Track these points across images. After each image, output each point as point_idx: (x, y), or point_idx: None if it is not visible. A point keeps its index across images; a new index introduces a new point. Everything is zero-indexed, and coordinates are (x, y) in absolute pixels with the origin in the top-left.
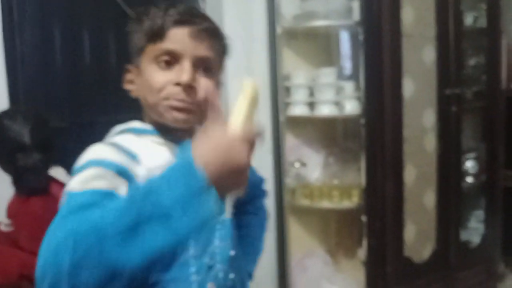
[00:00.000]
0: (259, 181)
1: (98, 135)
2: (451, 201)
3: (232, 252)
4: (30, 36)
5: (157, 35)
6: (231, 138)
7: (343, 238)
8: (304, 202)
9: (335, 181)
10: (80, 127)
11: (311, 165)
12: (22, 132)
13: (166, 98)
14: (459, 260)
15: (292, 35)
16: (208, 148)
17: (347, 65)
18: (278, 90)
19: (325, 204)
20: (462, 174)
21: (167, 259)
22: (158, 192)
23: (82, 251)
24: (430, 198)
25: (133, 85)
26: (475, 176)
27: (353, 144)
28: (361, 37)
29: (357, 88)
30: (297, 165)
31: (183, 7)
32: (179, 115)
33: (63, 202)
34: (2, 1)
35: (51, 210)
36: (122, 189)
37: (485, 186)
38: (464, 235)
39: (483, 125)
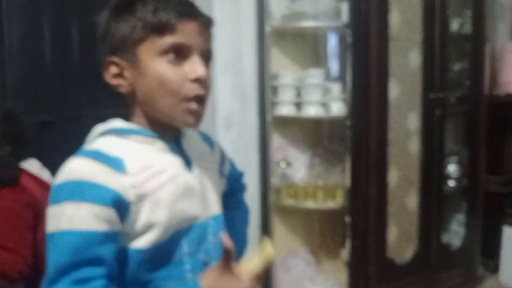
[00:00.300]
0: (239, 175)
1: (85, 130)
2: (433, 204)
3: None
4: (18, 28)
5: (165, 27)
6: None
7: (326, 239)
8: (289, 202)
9: (320, 182)
10: (67, 121)
11: (296, 165)
12: None
13: (185, 99)
14: (440, 262)
15: (281, 35)
16: None
17: (334, 67)
18: (265, 89)
19: (310, 204)
20: (444, 177)
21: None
22: None
23: None
24: (412, 201)
25: (122, 80)
26: (457, 179)
27: (338, 145)
28: (348, 39)
29: (344, 89)
30: (282, 165)
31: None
32: (195, 121)
33: (49, 230)
34: None
35: (20, 201)
36: (112, 224)
37: (466, 190)
38: (445, 238)
39: (465, 130)
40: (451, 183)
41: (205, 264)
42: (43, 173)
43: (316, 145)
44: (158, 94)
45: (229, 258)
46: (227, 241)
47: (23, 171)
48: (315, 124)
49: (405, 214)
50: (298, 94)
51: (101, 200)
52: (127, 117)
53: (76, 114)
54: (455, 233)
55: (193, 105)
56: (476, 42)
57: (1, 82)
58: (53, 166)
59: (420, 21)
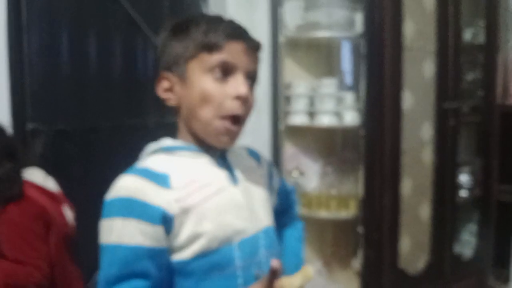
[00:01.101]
0: (290, 191)
1: (101, 141)
2: (446, 214)
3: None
4: (38, 39)
5: (214, 45)
6: None
7: (339, 248)
8: (302, 211)
9: (333, 191)
10: (84, 132)
11: (309, 174)
12: None
13: (222, 116)
14: (452, 272)
15: (295, 44)
16: None
17: (347, 76)
18: (279, 98)
19: (323, 213)
20: (457, 187)
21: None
22: None
23: None
24: (425, 210)
25: (171, 94)
26: (470, 189)
27: (352, 155)
28: (363, 49)
29: (357, 99)
30: (295, 174)
31: (231, 22)
32: (228, 141)
33: (101, 249)
34: (10, 4)
35: (29, 214)
36: (159, 240)
37: (478, 200)
38: (457, 248)
39: (478, 140)
40: (464, 193)
41: (257, 278)
42: (48, 182)
43: (329, 154)
44: (199, 108)
45: (275, 276)
46: (275, 261)
47: (27, 182)
48: (328, 133)
49: (418, 224)
50: (312, 103)
51: (148, 217)
52: (144, 129)
53: (92, 126)
54: (467, 243)
55: (228, 124)
56: (489, 52)
57: (21, 92)
58: (69, 176)
59: (433, 31)
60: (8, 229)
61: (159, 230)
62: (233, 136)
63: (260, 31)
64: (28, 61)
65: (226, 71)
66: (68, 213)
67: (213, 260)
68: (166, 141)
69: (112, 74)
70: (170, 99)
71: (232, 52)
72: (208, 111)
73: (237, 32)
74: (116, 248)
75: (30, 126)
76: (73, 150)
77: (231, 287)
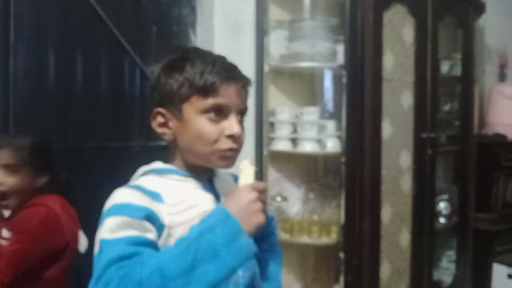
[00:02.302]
0: (270, 219)
1: (83, 162)
2: (425, 241)
3: (256, 284)
4: (25, 58)
5: (209, 90)
6: (247, 194)
7: (320, 274)
8: (284, 236)
9: (315, 217)
10: (67, 152)
11: (291, 199)
12: None
13: (220, 149)
14: None
15: (279, 73)
16: (235, 205)
17: (329, 105)
18: (263, 125)
19: (304, 239)
20: (436, 214)
21: None
22: (208, 235)
23: None
24: (405, 237)
25: (166, 129)
26: (447, 217)
27: (333, 181)
28: (344, 79)
29: (339, 127)
30: (278, 199)
31: (224, 62)
32: (230, 163)
33: (96, 250)
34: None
35: (46, 221)
36: (149, 233)
37: (456, 227)
38: (436, 275)
39: (455, 168)
40: (442, 220)
41: None
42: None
43: (311, 180)
44: (197, 145)
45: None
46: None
47: (57, 198)
48: (311, 159)
49: (398, 250)
50: (294, 130)
51: (137, 215)
52: (127, 152)
53: (75, 146)
54: (446, 269)
55: (228, 152)
56: (466, 84)
57: (4, 112)
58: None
59: (412, 63)
60: (21, 223)
61: (147, 224)
62: (231, 160)
63: (245, 59)
64: (13, 83)
65: (220, 113)
66: (82, 240)
67: None
68: (157, 164)
69: (98, 95)
70: (166, 133)
71: (226, 94)
72: (204, 147)
73: (230, 74)
74: (108, 241)
75: None
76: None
77: None
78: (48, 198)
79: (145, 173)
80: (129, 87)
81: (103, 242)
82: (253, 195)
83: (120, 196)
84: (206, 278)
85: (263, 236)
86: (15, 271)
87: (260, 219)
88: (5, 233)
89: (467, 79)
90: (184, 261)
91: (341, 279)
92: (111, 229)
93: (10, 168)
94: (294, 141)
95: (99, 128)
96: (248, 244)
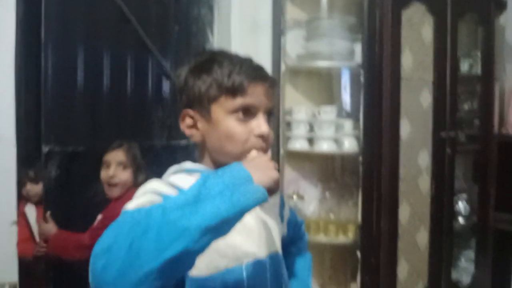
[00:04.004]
0: (299, 223)
1: None
2: (443, 241)
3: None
4: (55, 59)
5: (238, 90)
6: (260, 157)
7: (337, 273)
8: None
9: (332, 216)
10: (96, 152)
11: (308, 198)
12: None
13: (250, 149)
14: None
15: (296, 72)
16: (248, 163)
17: (347, 104)
18: (280, 124)
19: (321, 238)
20: (454, 214)
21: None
22: (216, 179)
23: (153, 223)
24: (423, 237)
25: (195, 130)
26: (466, 217)
27: (350, 181)
28: (362, 78)
29: (356, 126)
30: (295, 198)
31: (251, 63)
32: None
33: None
34: (27, 23)
35: None
36: None
37: (476, 227)
38: (454, 275)
39: (475, 168)
40: (461, 220)
41: None
42: None
43: (328, 179)
44: (227, 145)
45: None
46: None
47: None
48: (328, 159)
49: (416, 250)
50: (311, 129)
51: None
52: (152, 151)
53: (103, 145)
54: (464, 270)
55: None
56: (486, 83)
57: (37, 111)
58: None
59: (431, 61)
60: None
61: None
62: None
63: (262, 58)
64: (44, 81)
65: (248, 112)
66: None
67: (225, 279)
68: (187, 164)
69: (124, 95)
70: (194, 135)
71: (254, 94)
72: (234, 147)
73: (258, 74)
74: (131, 211)
75: (45, 148)
76: (87, 171)
77: None
78: None
79: (176, 172)
80: (152, 86)
81: (125, 212)
82: (266, 157)
83: (151, 184)
84: (208, 212)
85: (292, 240)
86: None
87: (274, 173)
88: (99, 217)
89: (488, 77)
90: (187, 197)
91: (358, 278)
92: (136, 203)
93: (123, 165)
94: (311, 140)
95: (125, 127)
96: (258, 191)
